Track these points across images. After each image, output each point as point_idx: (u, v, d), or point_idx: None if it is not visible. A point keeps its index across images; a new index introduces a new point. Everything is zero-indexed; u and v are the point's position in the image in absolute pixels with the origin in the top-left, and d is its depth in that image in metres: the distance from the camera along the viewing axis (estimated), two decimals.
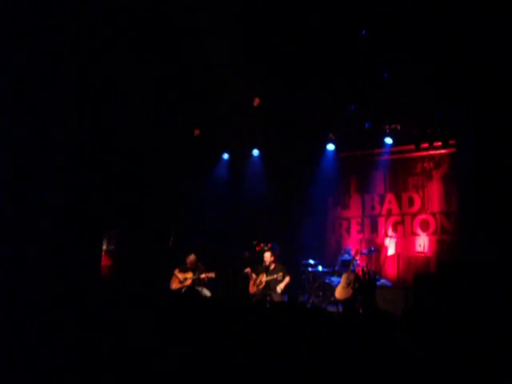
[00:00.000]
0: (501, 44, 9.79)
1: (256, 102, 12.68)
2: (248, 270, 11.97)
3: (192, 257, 12.02)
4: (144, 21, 10.45)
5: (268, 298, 11.07)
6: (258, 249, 12.88)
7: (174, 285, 11.84)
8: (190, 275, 11.80)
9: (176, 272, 11.99)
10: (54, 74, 10.51)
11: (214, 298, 10.18)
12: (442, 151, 13.21)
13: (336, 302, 11.62)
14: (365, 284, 4.11)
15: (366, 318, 4.18)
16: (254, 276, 11.68)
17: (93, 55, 10.56)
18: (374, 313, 4.00)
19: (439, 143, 13.00)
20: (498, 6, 9.16)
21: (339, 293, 11.68)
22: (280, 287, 11.22)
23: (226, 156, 15.14)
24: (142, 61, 11.28)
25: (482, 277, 6.52)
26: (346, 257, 13.00)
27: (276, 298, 11.07)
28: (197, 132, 13.92)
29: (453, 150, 13.00)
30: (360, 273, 4.08)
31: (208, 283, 11.80)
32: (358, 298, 11.56)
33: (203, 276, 11.71)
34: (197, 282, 11.71)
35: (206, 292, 11.63)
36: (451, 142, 12.87)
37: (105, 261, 13.43)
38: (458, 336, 4.19)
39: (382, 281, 12.48)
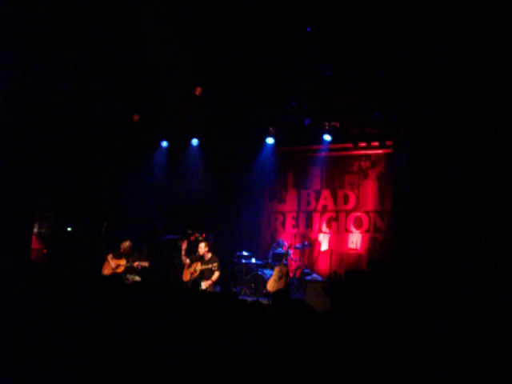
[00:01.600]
0: (438, 48, 10.04)
1: (198, 91, 12.63)
2: (184, 245, 11.90)
3: (127, 243, 11.86)
4: (86, 6, 10.29)
5: (200, 288, 11.04)
6: (192, 238, 12.83)
7: (106, 270, 11.67)
8: (123, 262, 11.65)
9: (109, 258, 11.80)
10: None
11: (145, 284, 10.10)
12: (379, 151, 13.47)
13: (268, 295, 11.71)
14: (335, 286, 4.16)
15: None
16: (188, 262, 11.62)
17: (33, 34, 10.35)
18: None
19: (376, 143, 13.24)
20: (439, 7, 9.39)
21: (271, 285, 11.77)
22: (205, 284, 11.10)
23: (165, 144, 15.02)
24: (84, 46, 11.11)
25: (411, 276, 6.71)
26: (279, 250, 13.13)
27: (208, 289, 11.05)
28: (136, 118, 13.77)
29: (389, 150, 13.26)
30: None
31: (141, 271, 11.69)
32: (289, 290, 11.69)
33: (136, 264, 11.58)
34: (130, 269, 11.58)
35: (137, 278, 11.52)
36: (388, 142, 13.12)
37: (35, 244, 13.17)
38: (383, 330, 4.30)
39: (314, 275, 12.65)
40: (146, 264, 11.60)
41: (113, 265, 11.67)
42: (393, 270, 7.23)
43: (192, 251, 11.92)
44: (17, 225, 11.80)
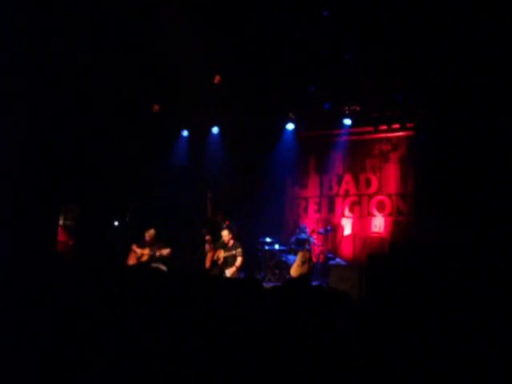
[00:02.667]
0: (460, 31, 9.95)
1: (216, 79, 12.65)
2: (208, 237, 11.94)
3: (151, 231, 11.95)
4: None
5: (224, 275, 11.10)
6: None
7: (132, 260, 11.79)
8: (146, 251, 11.77)
9: (134, 247, 11.93)
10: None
11: (170, 272, 10.18)
12: (400, 134, 13.40)
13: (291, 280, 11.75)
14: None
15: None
16: (211, 249, 11.66)
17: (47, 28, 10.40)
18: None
19: (397, 126, 13.17)
20: None
21: (294, 271, 11.81)
22: (229, 271, 11.14)
23: (185, 133, 15.09)
24: (101, 37, 11.15)
25: (432, 257, 6.69)
26: (302, 235, 13.15)
27: (233, 276, 11.11)
28: (156, 108, 13.83)
29: (410, 132, 13.19)
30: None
31: (165, 259, 11.78)
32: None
33: (158, 253, 11.68)
34: (153, 258, 11.69)
35: (163, 268, 11.61)
36: (409, 125, 13.04)
37: (61, 236, 13.31)
38: (405, 311, 4.32)
39: (338, 260, 12.67)
40: (167, 251, 11.68)
41: (138, 254, 11.80)
42: (414, 252, 7.23)
43: (215, 239, 11.96)
44: (42, 217, 11.93)
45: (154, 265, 11.49)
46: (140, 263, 11.57)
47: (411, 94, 12.27)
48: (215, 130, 14.75)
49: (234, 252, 11.21)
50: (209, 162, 14.66)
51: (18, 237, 10.29)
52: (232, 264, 11.16)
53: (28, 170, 11.27)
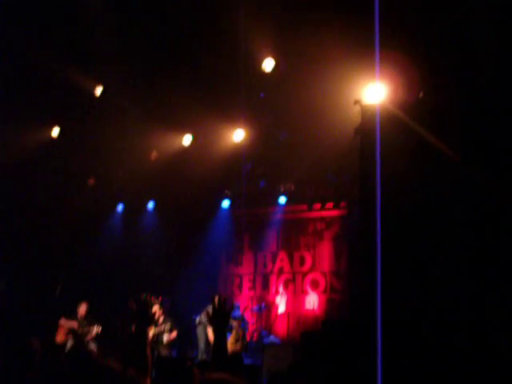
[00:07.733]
0: None
1: (153, 155, 12.75)
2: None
3: (84, 305, 11.59)
4: None
5: (155, 353, 10.86)
6: None
7: (59, 336, 11.33)
8: (75, 323, 11.38)
9: (62, 322, 11.46)
10: None
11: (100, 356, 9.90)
12: (334, 212, 13.62)
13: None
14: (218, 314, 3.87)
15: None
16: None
17: None
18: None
19: (331, 204, 13.40)
20: None
21: (228, 347, 11.63)
22: (165, 338, 11.06)
23: (120, 207, 14.95)
24: None
25: (363, 334, 6.75)
26: (235, 312, 13.01)
27: (163, 352, 10.91)
28: (91, 181, 13.73)
29: (343, 211, 13.41)
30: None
31: (96, 337, 11.43)
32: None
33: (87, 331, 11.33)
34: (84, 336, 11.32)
35: (92, 346, 11.26)
36: (342, 204, 13.28)
37: None
38: None
39: (271, 338, 12.57)
40: (96, 330, 11.36)
41: (65, 328, 11.37)
42: (346, 328, 7.29)
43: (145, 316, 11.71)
44: None
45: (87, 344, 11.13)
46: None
47: (343, 173, 12.55)
48: (151, 204, 14.70)
49: (162, 327, 11.10)
50: (144, 236, 14.52)
51: None
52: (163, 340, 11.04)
53: None
